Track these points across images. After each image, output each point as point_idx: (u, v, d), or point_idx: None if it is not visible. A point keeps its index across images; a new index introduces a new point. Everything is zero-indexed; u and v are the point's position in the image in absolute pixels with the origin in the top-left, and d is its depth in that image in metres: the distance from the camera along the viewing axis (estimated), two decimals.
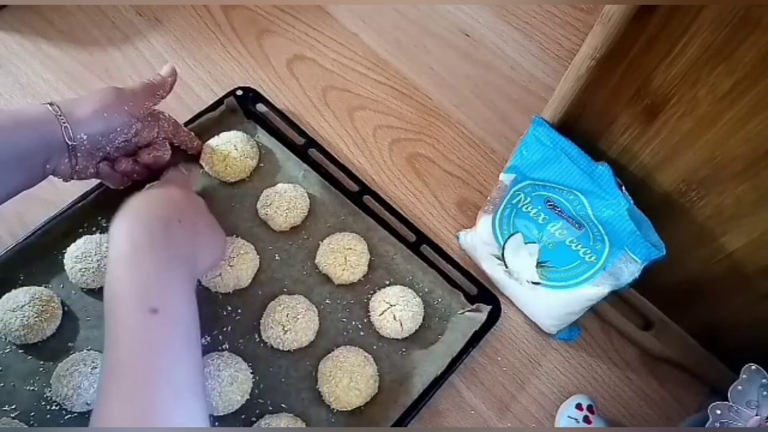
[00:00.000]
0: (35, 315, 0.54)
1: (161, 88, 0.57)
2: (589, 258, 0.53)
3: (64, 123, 0.50)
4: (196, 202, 0.54)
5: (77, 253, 0.57)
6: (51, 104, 0.51)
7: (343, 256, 0.59)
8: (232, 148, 0.63)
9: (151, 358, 0.40)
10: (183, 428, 0.38)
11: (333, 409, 0.55)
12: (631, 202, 0.48)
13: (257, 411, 0.54)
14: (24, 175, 0.51)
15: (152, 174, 0.60)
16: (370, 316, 0.59)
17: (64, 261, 0.57)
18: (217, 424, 0.53)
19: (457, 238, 0.65)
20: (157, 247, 0.44)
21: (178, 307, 0.43)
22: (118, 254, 0.44)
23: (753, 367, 0.46)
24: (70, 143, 0.51)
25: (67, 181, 0.54)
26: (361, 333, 0.58)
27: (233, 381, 0.52)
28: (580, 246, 0.53)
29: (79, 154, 0.52)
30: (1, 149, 0.48)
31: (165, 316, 0.41)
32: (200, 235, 0.50)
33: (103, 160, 0.56)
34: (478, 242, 0.61)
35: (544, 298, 0.57)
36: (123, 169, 0.56)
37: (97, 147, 0.53)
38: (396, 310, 0.57)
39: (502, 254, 0.58)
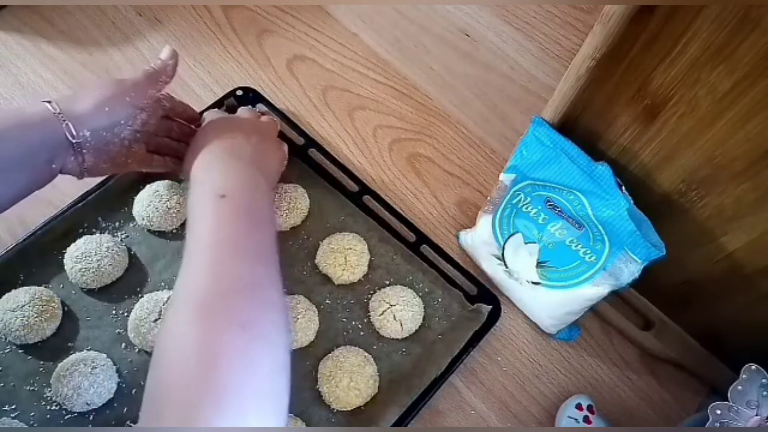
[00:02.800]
0: (35, 315, 0.54)
1: (163, 73, 0.55)
2: (589, 258, 0.53)
3: (64, 121, 0.49)
4: (250, 123, 0.58)
5: (77, 253, 0.57)
6: (50, 102, 0.50)
7: (343, 256, 0.59)
8: None
9: (223, 232, 0.45)
10: (191, 428, 0.38)
11: (333, 409, 0.55)
12: (631, 202, 0.48)
13: None
14: (28, 177, 0.50)
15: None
16: (370, 316, 0.59)
17: (64, 261, 0.57)
18: None
19: (457, 238, 0.65)
20: (226, 153, 0.52)
21: (242, 193, 0.48)
22: (196, 166, 0.51)
23: (753, 367, 0.46)
24: (74, 141, 0.50)
25: (80, 179, 0.53)
26: (361, 333, 0.58)
27: None
28: (580, 246, 0.53)
29: (85, 151, 0.51)
30: (2, 151, 0.47)
31: (230, 200, 0.47)
32: (260, 148, 0.55)
33: (152, 152, 0.58)
34: (478, 242, 0.61)
35: (544, 298, 0.57)
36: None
37: (103, 142, 0.52)
38: (396, 310, 0.57)
39: (502, 254, 0.58)
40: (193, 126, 0.61)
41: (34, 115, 0.49)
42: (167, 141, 0.59)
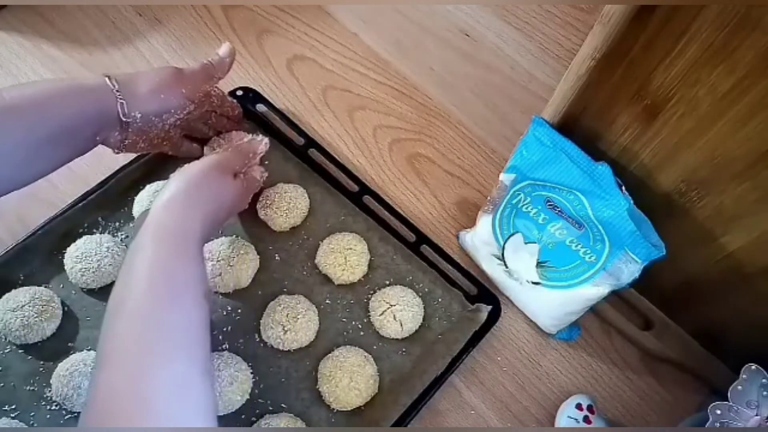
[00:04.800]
0: (35, 315, 0.54)
1: (220, 69, 0.57)
2: (589, 258, 0.53)
3: (120, 99, 0.50)
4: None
5: (77, 253, 0.57)
6: (109, 78, 0.51)
7: (343, 256, 0.59)
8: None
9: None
10: (192, 428, 0.38)
11: (333, 409, 0.55)
12: (631, 202, 0.48)
13: (257, 411, 0.54)
14: (76, 145, 0.51)
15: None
16: (370, 316, 0.59)
17: (64, 261, 0.57)
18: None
19: (457, 238, 0.65)
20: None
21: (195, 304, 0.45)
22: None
23: (753, 367, 0.46)
24: (124, 119, 0.51)
25: (116, 153, 0.55)
26: (361, 333, 0.58)
27: (233, 381, 0.52)
28: (580, 246, 0.53)
29: (130, 130, 0.52)
30: (60, 118, 0.48)
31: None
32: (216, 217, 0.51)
33: (186, 138, 0.57)
34: (478, 242, 0.61)
35: (544, 298, 0.57)
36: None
37: (149, 125, 0.53)
38: (396, 310, 0.57)
39: (502, 254, 0.58)
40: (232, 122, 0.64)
41: (92, 87, 0.50)
42: (202, 127, 0.61)
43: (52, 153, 0.50)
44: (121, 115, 0.50)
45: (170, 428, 0.37)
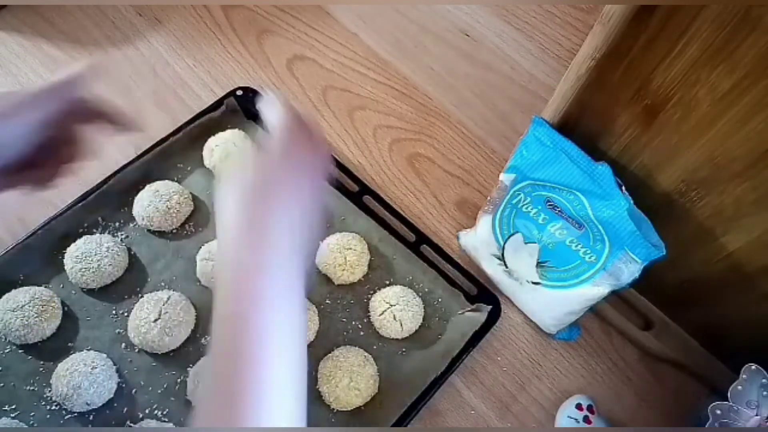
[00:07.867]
0: (35, 315, 0.54)
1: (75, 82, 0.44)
2: (589, 258, 0.53)
3: None
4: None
5: (77, 253, 0.57)
6: None
7: (343, 256, 0.59)
8: (231, 146, 0.63)
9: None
10: (201, 429, 0.38)
11: (333, 409, 0.55)
12: (631, 202, 0.48)
13: None
14: None
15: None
16: (370, 316, 0.59)
17: (64, 261, 0.58)
18: None
19: (457, 238, 0.65)
20: (288, 249, 0.41)
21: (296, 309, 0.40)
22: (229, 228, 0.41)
23: (753, 367, 0.46)
24: None
25: None
26: (361, 333, 0.58)
27: None
28: (580, 246, 0.53)
29: None
30: None
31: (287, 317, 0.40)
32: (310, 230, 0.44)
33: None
34: (478, 242, 0.61)
35: (544, 298, 0.57)
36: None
37: None
38: (396, 310, 0.57)
39: (502, 254, 0.58)
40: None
41: None
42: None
43: None
44: None
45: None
